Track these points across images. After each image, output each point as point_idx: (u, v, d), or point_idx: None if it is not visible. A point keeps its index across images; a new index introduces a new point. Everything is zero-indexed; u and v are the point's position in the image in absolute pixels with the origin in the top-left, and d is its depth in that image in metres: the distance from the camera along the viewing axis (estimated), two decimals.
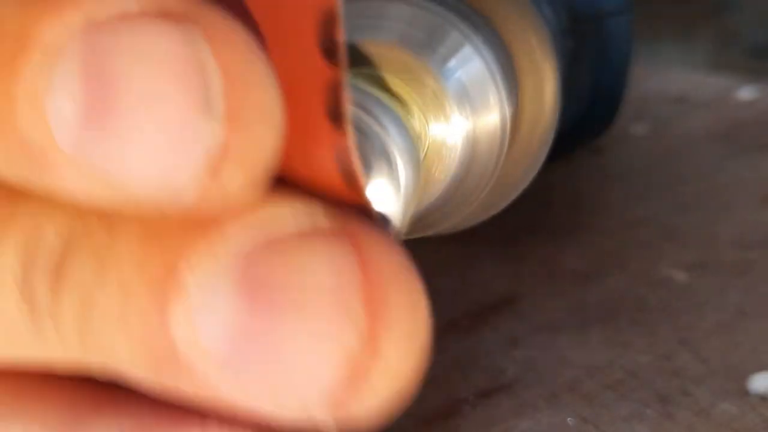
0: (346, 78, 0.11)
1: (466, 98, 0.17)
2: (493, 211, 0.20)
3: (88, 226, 0.11)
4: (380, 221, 0.11)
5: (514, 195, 0.20)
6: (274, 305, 0.10)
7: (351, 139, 0.11)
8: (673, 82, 0.40)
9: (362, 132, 0.14)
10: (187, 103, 0.10)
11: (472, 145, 0.17)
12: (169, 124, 0.10)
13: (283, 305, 0.10)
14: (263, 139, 0.10)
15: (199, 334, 0.11)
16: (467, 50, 0.17)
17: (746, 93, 0.37)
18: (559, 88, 0.20)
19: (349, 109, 0.11)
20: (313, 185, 0.11)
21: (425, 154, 0.17)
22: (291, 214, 0.11)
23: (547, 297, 0.26)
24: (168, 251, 0.11)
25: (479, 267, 0.28)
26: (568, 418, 0.21)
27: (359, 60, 0.17)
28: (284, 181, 0.11)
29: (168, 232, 0.11)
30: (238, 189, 0.10)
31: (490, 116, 0.17)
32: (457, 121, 0.17)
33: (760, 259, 0.26)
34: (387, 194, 0.13)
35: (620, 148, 0.34)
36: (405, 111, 0.16)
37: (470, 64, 0.17)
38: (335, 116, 0.11)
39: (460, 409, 0.22)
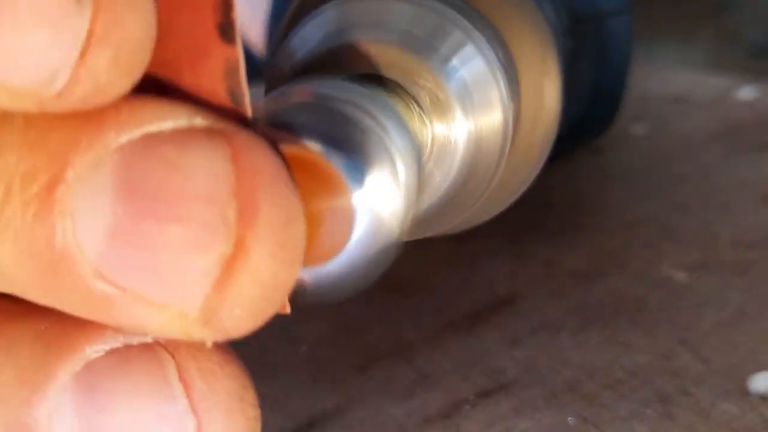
0: None
1: (468, 98, 0.17)
2: (496, 212, 0.20)
3: None
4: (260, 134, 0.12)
5: (516, 195, 0.20)
6: (152, 209, 0.11)
7: (239, 53, 0.11)
8: (673, 82, 0.40)
9: (363, 132, 0.13)
10: None
11: (475, 145, 0.17)
12: (39, 9, 0.10)
13: (159, 210, 0.11)
14: (128, 22, 0.11)
15: (78, 233, 0.11)
16: (469, 49, 0.17)
17: (746, 93, 0.37)
18: (560, 87, 0.20)
19: (239, 22, 0.11)
20: (200, 97, 0.12)
21: (427, 155, 0.16)
22: (169, 113, 0.11)
23: (547, 297, 0.26)
24: (53, 156, 0.11)
25: (479, 267, 0.28)
26: (569, 418, 0.21)
27: (359, 60, 0.17)
28: (172, 92, 0.12)
29: (53, 138, 0.11)
30: (106, 72, 0.11)
31: (493, 116, 0.17)
32: (459, 121, 0.17)
33: (760, 259, 0.26)
34: (388, 195, 0.13)
35: (620, 148, 0.34)
36: (406, 111, 0.16)
37: (472, 63, 0.17)
38: (224, 29, 0.11)
39: (460, 409, 0.22)
